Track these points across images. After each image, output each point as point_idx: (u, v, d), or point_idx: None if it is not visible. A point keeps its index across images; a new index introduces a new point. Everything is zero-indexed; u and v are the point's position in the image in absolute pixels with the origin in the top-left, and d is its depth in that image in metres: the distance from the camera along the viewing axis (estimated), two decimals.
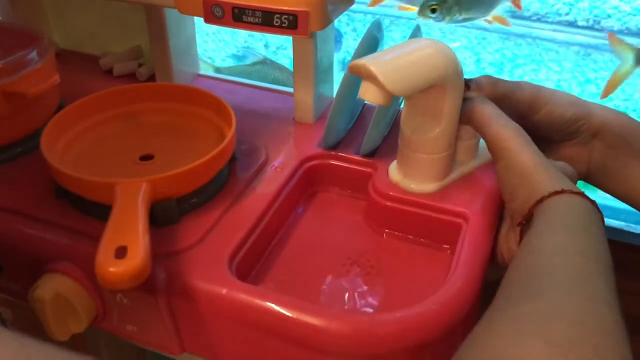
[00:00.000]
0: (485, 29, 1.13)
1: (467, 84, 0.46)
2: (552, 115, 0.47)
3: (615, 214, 0.68)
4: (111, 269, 0.36)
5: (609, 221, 0.68)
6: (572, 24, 1.11)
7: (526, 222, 0.41)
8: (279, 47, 1.30)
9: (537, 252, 0.36)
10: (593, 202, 0.40)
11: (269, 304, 0.40)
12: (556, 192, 0.39)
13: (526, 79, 1.14)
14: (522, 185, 0.42)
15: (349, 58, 1.18)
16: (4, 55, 0.52)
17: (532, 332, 0.29)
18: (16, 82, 0.49)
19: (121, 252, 0.37)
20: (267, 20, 0.49)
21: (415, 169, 0.49)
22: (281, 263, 0.48)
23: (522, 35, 1.09)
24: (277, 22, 0.49)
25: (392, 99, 0.43)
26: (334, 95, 0.63)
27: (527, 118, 0.48)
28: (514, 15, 1.14)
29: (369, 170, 0.53)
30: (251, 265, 0.46)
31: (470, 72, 1.15)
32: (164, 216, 0.45)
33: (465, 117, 0.46)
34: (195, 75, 0.67)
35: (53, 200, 0.48)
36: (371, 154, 0.54)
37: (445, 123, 0.46)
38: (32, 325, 0.62)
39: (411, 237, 0.50)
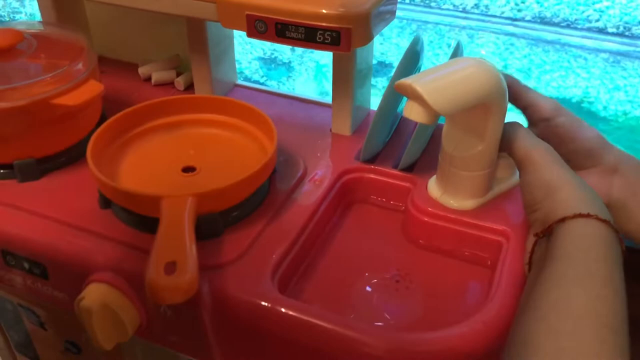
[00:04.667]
0: (513, 35, 1.12)
1: None
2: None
3: None
4: (162, 285, 0.37)
5: None
6: (602, 31, 1.10)
7: (544, 235, 0.41)
8: (305, 51, 1.30)
9: (557, 312, 0.35)
10: (617, 232, 0.39)
11: (310, 318, 0.41)
12: (581, 215, 0.39)
13: (553, 85, 1.14)
14: (546, 199, 0.42)
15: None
16: (51, 64, 0.53)
17: None
18: (62, 93, 0.50)
19: (171, 268, 0.38)
20: (309, 37, 0.50)
21: (455, 185, 0.50)
22: (320, 275, 0.48)
23: (550, 42, 1.09)
24: (320, 38, 0.50)
25: (436, 117, 0.43)
26: (371, 107, 0.63)
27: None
28: (543, 22, 1.13)
29: (407, 184, 0.54)
30: (291, 277, 0.47)
31: None
32: (208, 229, 0.46)
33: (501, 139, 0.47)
34: (232, 85, 0.68)
35: (97, 211, 0.49)
36: (409, 168, 0.54)
37: (488, 141, 0.47)
38: (65, 326, 0.63)
39: (450, 252, 0.50)
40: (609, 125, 1.07)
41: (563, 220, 0.39)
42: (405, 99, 0.44)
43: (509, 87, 0.46)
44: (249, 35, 0.52)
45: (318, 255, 0.50)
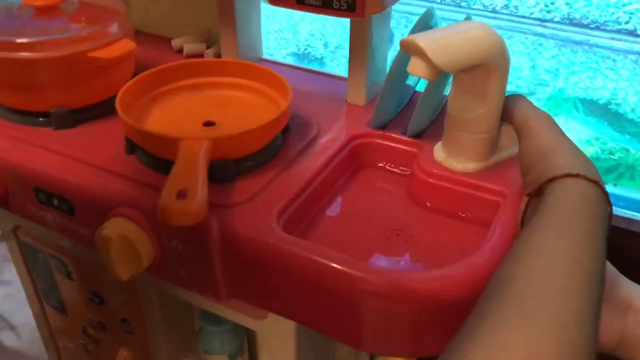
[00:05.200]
0: (542, 35, 1.13)
1: None
2: None
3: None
4: (173, 208, 0.41)
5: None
6: (631, 33, 1.10)
7: (535, 196, 0.42)
8: (337, 47, 1.34)
9: (532, 252, 0.36)
10: (605, 193, 0.40)
11: (311, 254, 0.43)
12: (570, 175, 0.40)
13: (581, 86, 1.14)
14: (539, 162, 0.43)
15: None
16: (90, 24, 0.58)
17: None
18: (98, 48, 0.54)
19: (182, 195, 0.42)
20: (327, 3, 0.53)
21: (459, 148, 0.52)
22: (325, 225, 0.51)
23: (579, 43, 1.09)
24: (336, 4, 0.53)
25: (438, 74, 0.45)
26: None
27: None
28: (572, 23, 1.14)
29: (414, 150, 0.56)
30: (297, 223, 0.50)
31: (525, 77, 1.15)
32: (222, 174, 0.49)
33: (502, 110, 0.49)
34: (258, 59, 0.72)
35: (123, 156, 0.53)
36: (418, 136, 0.57)
37: (489, 103, 0.49)
38: (90, 276, 0.67)
39: (451, 212, 0.53)
40: (637, 127, 1.07)
41: (552, 180, 0.41)
42: None
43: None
44: (271, 2, 0.56)
45: (325, 208, 0.53)
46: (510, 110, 0.49)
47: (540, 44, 1.17)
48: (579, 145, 0.46)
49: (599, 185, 0.40)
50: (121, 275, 0.48)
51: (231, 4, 0.65)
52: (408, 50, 0.46)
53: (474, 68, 0.47)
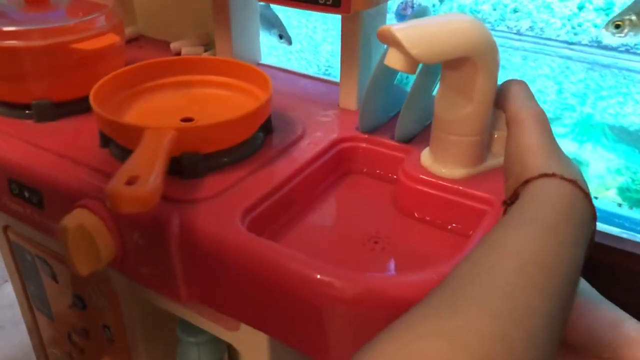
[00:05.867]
0: (569, 58, 1.09)
1: None
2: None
3: None
4: (122, 193, 0.39)
5: None
6: None
7: (511, 202, 0.38)
8: None
9: (486, 250, 0.33)
10: (586, 193, 0.36)
11: (273, 255, 0.40)
12: (545, 175, 0.36)
13: (610, 112, 1.08)
14: (516, 163, 0.40)
15: None
16: (76, 18, 0.57)
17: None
18: (82, 40, 0.54)
19: (133, 181, 0.39)
20: None
21: (446, 152, 0.48)
22: (298, 230, 0.48)
23: (607, 66, 1.04)
24: (321, 0, 0.51)
25: (416, 65, 0.42)
26: None
27: None
28: (600, 46, 1.09)
29: (401, 155, 0.53)
30: (267, 225, 0.47)
31: (551, 101, 1.10)
32: (189, 168, 0.47)
33: (498, 95, 0.45)
34: (256, 64, 0.70)
35: (97, 149, 0.52)
36: (408, 141, 0.54)
37: (477, 102, 0.45)
38: (73, 278, 0.65)
39: (437, 221, 0.49)
40: None
41: (527, 181, 0.37)
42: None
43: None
44: None
45: (303, 211, 0.50)
46: (504, 97, 0.45)
47: (567, 67, 1.12)
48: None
49: (576, 184, 0.36)
50: (80, 269, 0.46)
51: (226, 5, 0.63)
52: (385, 40, 0.43)
53: (460, 64, 0.44)
